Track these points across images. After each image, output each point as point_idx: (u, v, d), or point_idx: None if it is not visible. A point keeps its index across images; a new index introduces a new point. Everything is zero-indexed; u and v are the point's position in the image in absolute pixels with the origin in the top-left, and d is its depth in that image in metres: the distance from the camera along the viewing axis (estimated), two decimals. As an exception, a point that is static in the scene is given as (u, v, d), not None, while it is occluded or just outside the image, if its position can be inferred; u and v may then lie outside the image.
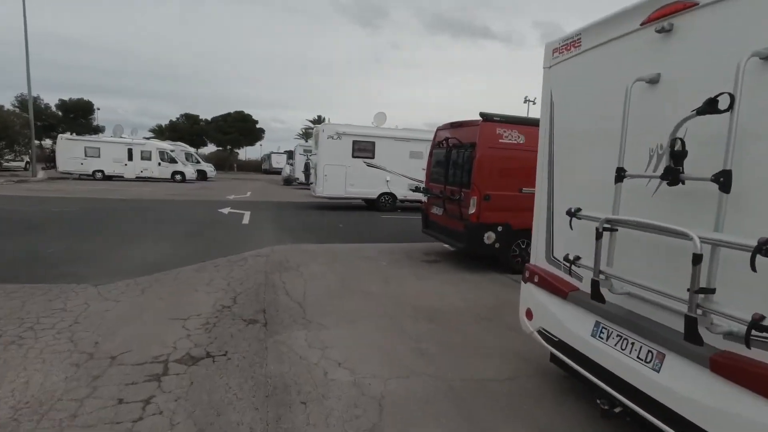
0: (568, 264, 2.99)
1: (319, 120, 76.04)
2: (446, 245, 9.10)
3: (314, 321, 4.77)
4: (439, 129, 8.63)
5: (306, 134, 78.17)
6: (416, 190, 9.48)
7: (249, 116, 55.55)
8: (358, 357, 3.95)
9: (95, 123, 55.43)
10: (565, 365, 3.22)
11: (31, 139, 25.27)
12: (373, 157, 15.34)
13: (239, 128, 53.85)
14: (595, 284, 2.65)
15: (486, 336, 4.59)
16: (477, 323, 4.97)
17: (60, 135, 27.20)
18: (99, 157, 26.87)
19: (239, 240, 9.32)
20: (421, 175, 16.00)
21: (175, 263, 6.97)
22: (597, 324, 2.91)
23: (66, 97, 55.20)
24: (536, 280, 3.57)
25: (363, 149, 15.30)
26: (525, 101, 51.51)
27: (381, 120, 16.59)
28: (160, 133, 53.89)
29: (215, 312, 4.89)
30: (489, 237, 7.21)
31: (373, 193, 15.53)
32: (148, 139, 35.70)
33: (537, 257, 3.68)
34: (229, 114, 54.83)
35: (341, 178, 15.05)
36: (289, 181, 31.09)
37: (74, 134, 32.40)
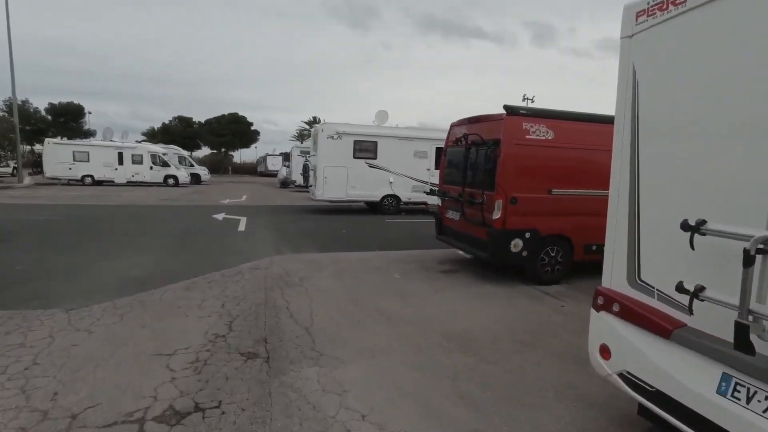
0: (685, 294, 2.21)
1: (314, 121, 75.09)
2: (462, 252, 8.33)
3: (326, 353, 3.97)
4: (454, 125, 7.85)
5: (301, 136, 77.39)
6: (431, 192, 8.67)
7: (243, 118, 54.63)
8: (385, 405, 3.15)
9: (86, 127, 54.39)
10: (664, 424, 2.44)
11: (17, 143, 24.30)
12: (375, 158, 14.55)
13: (233, 130, 52.91)
14: (742, 329, 1.87)
15: (534, 370, 3.81)
16: (519, 352, 4.18)
17: (47, 139, 26.25)
18: (88, 161, 25.93)
19: (235, 250, 8.51)
20: (426, 176, 15.29)
21: (162, 280, 6.15)
22: (727, 378, 2.13)
23: (57, 101, 54.29)
24: (616, 309, 2.78)
25: (365, 149, 14.50)
26: (523, 99, 51.00)
27: (383, 119, 15.81)
28: (153, 136, 52.82)
29: (207, 343, 4.08)
30: (516, 245, 6.43)
31: (375, 195, 14.73)
32: (140, 142, 34.77)
33: (614, 279, 2.89)
34: (222, 116, 53.87)
35: (342, 180, 14.25)
36: (285, 184, 30.23)
37: (63, 138, 31.48)
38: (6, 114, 52.32)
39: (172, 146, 33.00)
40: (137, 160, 26.88)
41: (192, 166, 31.96)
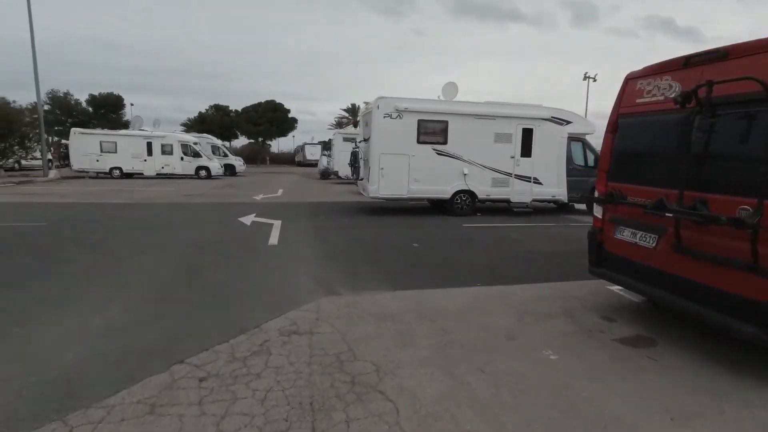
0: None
1: (353, 109, 72.15)
2: (620, 287, 4.97)
3: None
4: (639, 75, 4.38)
5: (339, 124, 74.77)
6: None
7: (280, 105, 52.28)
8: None
9: (125, 118, 53.71)
10: None
11: (41, 136, 22.51)
12: (445, 143, 11.20)
13: (270, 118, 50.68)
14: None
15: None
16: None
17: (73, 129, 24.44)
18: (116, 152, 23.95)
19: (260, 283, 5.47)
20: (509, 165, 11.81)
21: (115, 373, 3.16)
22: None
23: (98, 93, 53.85)
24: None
25: (432, 132, 11.17)
26: (585, 78, 45.83)
27: (451, 93, 12.41)
28: (191, 126, 51.46)
29: None
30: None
31: (445, 191, 11.40)
32: (180, 132, 32.83)
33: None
34: (259, 104, 51.72)
35: (403, 172, 11.00)
36: (326, 175, 27.42)
37: (98, 129, 29.84)
38: (50, 106, 52.84)
39: (205, 135, 30.80)
40: (167, 150, 24.68)
41: (226, 156, 29.63)
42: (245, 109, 52.30)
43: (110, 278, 5.57)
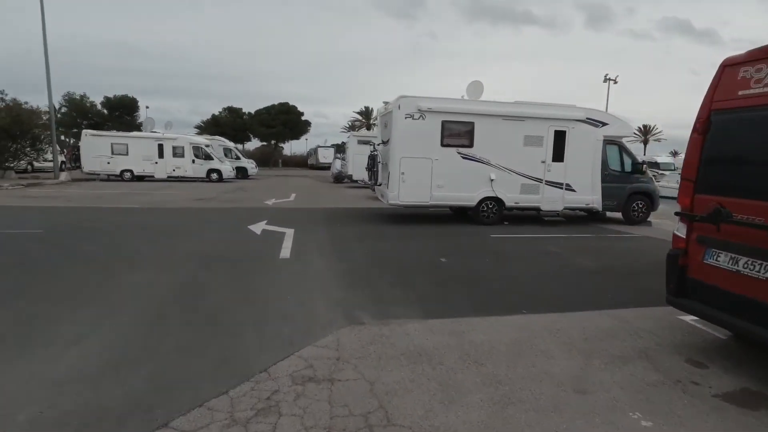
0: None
1: (366, 112, 71.56)
2: (703, 320, 4.09)
3: None
4: (756, 57, 3.46)
5: (353, 127, 74.15)
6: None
7: (293, 108, 51.88)
8: None
9: (140, 120, 53.77)
10: None
11: (52, 137, 22.18)
12: (471, 145, 10.35)
13: (283, 120, 50.27)
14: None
15: None
16: None
17: (84, 131, 24.10)
18: (127, 154, 23.53)
19: (269, 307, 4.69)
20: (540, 171, 10.90)
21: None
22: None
23: (113, 95, 54.08)
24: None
25: (457, 134, 10.34)
26: (605, 80, 44.50)
27: (477, 92, 11.56)
28: (205, 128, 51.31)
29: None
30: None
31: (470, 198, 10.53)
32: (194, 135, 32.44)
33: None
34: (272, 106, 51.38)
35: (425, 178, 10.18)
36: (339, 178, 26.70)
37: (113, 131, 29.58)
38: (66, 108, 53.19)
39: (217, 137, 30.36)
40: (178, 152, 24.20)
41: (238, 158, 29.12)
42: (258, 112, 52.03)
43: (96, 300, 4.84)
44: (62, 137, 43.93)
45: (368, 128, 69.86)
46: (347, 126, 73.33)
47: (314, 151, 53.33)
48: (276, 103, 51.94)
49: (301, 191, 19.99)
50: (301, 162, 57.60)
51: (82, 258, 6.70)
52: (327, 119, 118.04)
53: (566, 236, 9.65)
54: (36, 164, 26.88)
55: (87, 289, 5.20)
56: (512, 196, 10.68)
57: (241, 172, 28.58)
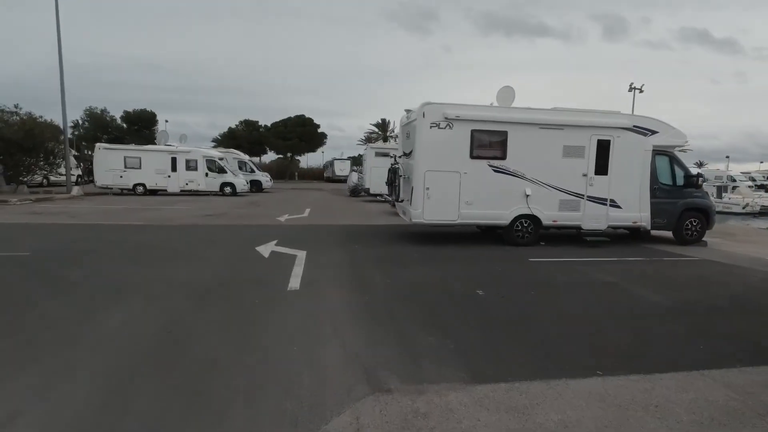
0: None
1: (383, 124, 70.94)
2: None
3: None
4: None
5: (369, 139, 73.52)
6: None
7: (310, 120, 51.55)
8: None
9: (156, 134, 54.11)
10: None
11: (66, 151, 21.84)
12: (504, 157, 9.28)
13: (299, 133, 49.92)
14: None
15: None
16: None
17: (97, 144, 23.77)
18: (140, 168, 23.09)
19: (269, 364, 3.66)
20: (581, 185, 9.72)
21: None
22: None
23: (132, 109, 54.63)
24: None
25: (488, 144, 9.28)
26: (630, 89, 42.92)
27: (508, 98, 10.50)
28: (221, 142, 51.32)
29: None
30: None
31: (503, 216, 9.42)
32: (210, 148, 32.01)
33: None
34: (289, 118, 51.13)
35: (453, 193, 9.12)
36: (356, 192, 25.82)
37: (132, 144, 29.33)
38: (87, 123, 53.87)
39: (231, 150, 29.90)
40: (192, 166, 23.67)
41: (252, 171, 28.54)
42: (274, 124, 51.86)
43: (60, 347, 3.88)
44: (86, 151, 44.23)
45: (385, 140, 69.24)
46: (363, 138, 72.92)
47: (330, 164, 52.88)
48: (293, 115, 51.67)
49: (316, 206, 19.11)
50: (317, 175, 57.22)
51: (63, 287, 5.79)
52: (342, 132, 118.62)
53: (616, 260, 8.44)
54: (52, 178, 26.71)
55: (55, 330, 4.26)
56: (550, 213, 9.53)
57: (256, 186, 27.97)
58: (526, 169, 9.33)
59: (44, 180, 26.79)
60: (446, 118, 8.94)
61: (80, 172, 31.79)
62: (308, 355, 3.88)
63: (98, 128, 52.33)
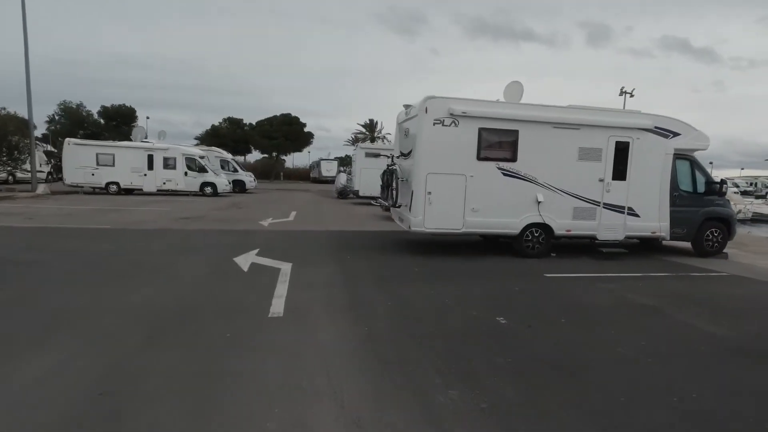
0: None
1: (371, 125, 69.80)
2: None
3: None
4: None
5: (356, 140, 72.28)
6: None
7: (296, 119, 50.19)
8: None
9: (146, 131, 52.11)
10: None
11: (31, 146, 20.28)
12: (514, 159, 8.32)
13: (285, 132, 48.54)
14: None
15: None
16: None
17: (67, 139, 22.18)
18: (113, 165, 21.59)
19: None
20: (597, 191, 8.83)
21: None
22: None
23: (110, 104, 52.58)
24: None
25: (497, 145, 8.32)
26: (621, 93, 42.63)
27: (516, 95, 9.56)
28: (203, 139, 49.62)
29: None
30: None
31: (512, 225, 8.45)
32: (192, 146, 30.45)
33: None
34: (274, 117, 49.70)
35: (457, 199, 8.13)
36: (344, 194, 24.74)
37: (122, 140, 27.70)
38: (61, 117, 51.61)
39: (213, 148, 28.51)
40: (170, 164, 22.26)
41: (236, 171, 27.19)
42: (259, 123, 50.39)
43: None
44: (49, 147, 42.10)
45: (372, 141, 68.20)
46: (350, 139, 71.72)
47: (317, 164, 51.65)
48: (278, 114, 50.27)
49: (302, 208, 17.96)
50: (303, 175, 55.89)
51: (-18, 315, 4.61)
52: (328, 132, 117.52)
53: (640, 276, 7.54)
54: (19, 175, 25.03)
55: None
56: (563, 222, 8.61)
57: (239, 186, 26.65)
58: (538, 173, 8.39)
59: (9, 177, 25.12)
60: (451, 114, 7.94)
61: (50, 169, 30.06)
62: (294, 424, 2.81)
63: (74, 123, 50.21)
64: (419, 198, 8.03)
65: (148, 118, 55.00)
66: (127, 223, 11.63)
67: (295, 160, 71.91)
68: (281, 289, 5.80)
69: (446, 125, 7.97)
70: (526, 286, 6.56)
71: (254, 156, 55.84)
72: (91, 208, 14.96)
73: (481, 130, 8.11)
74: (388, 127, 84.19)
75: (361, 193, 20.55)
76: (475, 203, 8.19)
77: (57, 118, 50.96)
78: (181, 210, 15.36)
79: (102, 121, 51.42)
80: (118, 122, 51.67)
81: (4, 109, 21.04)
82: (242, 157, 54.17)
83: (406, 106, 9.03)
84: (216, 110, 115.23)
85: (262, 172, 47.91)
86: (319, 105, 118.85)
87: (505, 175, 8.30)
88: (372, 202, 20.14)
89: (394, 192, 9.03)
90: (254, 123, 50.89)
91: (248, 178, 27.64)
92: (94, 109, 52.33)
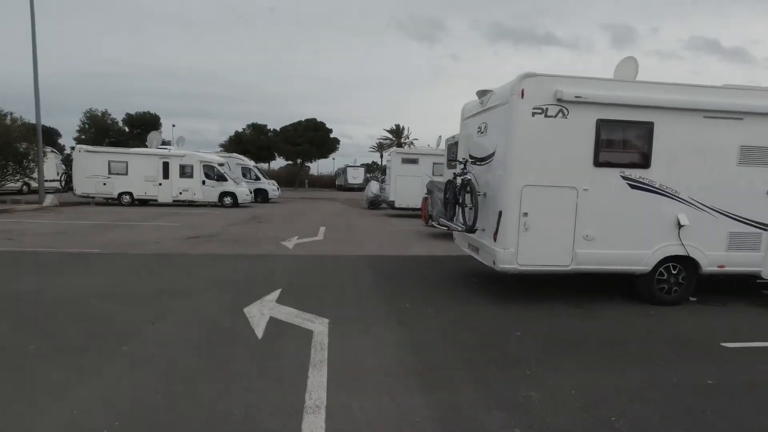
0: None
1: (397, 130, 67.50)
2: None
3: None
4: None
5: (381, 146, 70.15)
6: None
7: (322, 124, 48.30)
8: None
9: (163, 137, 51.31)
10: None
11: (39, 154, 18.70)
12: (645, 165, 5.73)
13: (310, 138, 46.65)
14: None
15: None
16: None
17: (77, 146, 20.59)
18: (126, 174, 19.83)
19: None
20: (764, 210, 6.11)
21: None
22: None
23: (135, 112, 52.04)
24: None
25: (621, 144, 5.77)
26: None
27: (630, 72, 6.98)
28: (227, 146, 48.30)
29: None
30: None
31: (642, 258, 5.83)
32: (218, 153, 28.71)
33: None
34: (299, 122, 47.94)
35: (565, 223, 5.59)
36: (375, 204, 22.42)
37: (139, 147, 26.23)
38: (87, 125, 51.27)
39: (234, 155, 26.61)
40: (187, 172, 20.38)
41: (258, 179, 25.20)
42: (284, 128, 48.72)
43: None
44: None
45: (399, 146, 65.95)
46: (376, 145, 69.65)
47: (343, 171, 49.61)
48: (303, 119, 48.51)
49: (331, 222, 15.66)
50: (328, 182, 53.97)
51: None
52: (351, 139, 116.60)
53: None
54: (34, 184, 23.66)
55: None
56: (714, 254, 5.96)
57: (261, 195, 24.66)
58: (680, 184, 5.79)
59: (24, 186, 23.77)
60: (559, 99, 5.44)
61: (64, 178, 28.76)
62: None
63: (100, 132, 49.74)
64: (510, 222, 5.54)
65: (174, 125, 54.23)
66: (123, 245, 9.52)
67: (319, 167, 70.38)
68: (317, 387, 3.39)
69: (551, 116, 5.47)
70: (710, 369, 3.97)
71: (278, 163, 54.28)
72: (92, 224, 13.01)
73: (600, 123, 5.57)
74: (415, 132, 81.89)
75: (397, 204, 18.10)
76: (590, 228, 5.65)
77: (86, 126, 50.66)
78: (193, 226, 13.26)
79: (126, 128, 50.83)
80: (143, 129, 50.82)
81: (11, 114, 19.54)
82: (266, 165, 52.73)
83: (482, 93, 6.55)
84: (240, 117, 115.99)
85: (286, 179, 46.12)
86: (341, 112, 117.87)
87: (633, 187, 5.72)
88: (406, 211, 17.60)
89: (468, 211, 6.53)
90: (278, 129, 49.26)
91: (271, 186, 25.61)
92: (119, 117, 51.97)
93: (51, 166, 23.99)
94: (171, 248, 9.41)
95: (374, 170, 67.74)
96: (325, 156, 52.20)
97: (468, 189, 6.36)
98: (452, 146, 12.69)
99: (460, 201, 6.75)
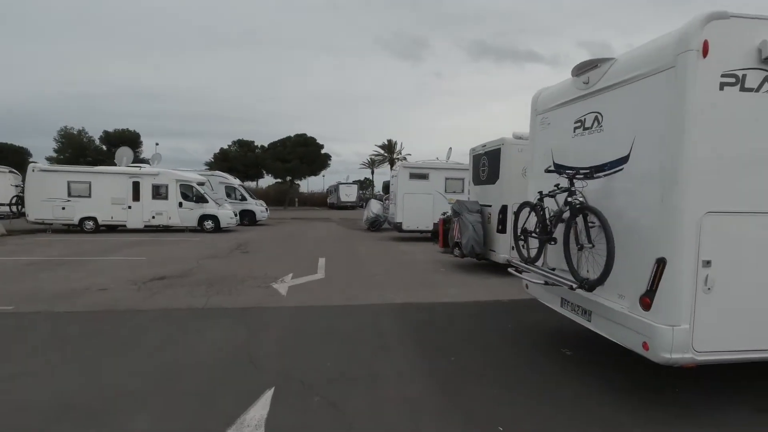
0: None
1: (389, 146, 65.53)
2: None
3: None
4: None
5: (372, 162, 68.07)
6: None
7: (312, 140, 46.00)
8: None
9: (142, 156, 48.44)
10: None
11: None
12: None
13: (300, 154, 44.26)
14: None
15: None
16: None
17: (31, 164, 17.83)
18: (89, 196, 17.11)
19: None
20: None
21: None
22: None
23: (113, 129, 49.29)
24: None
25: None
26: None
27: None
28: (213, 165, 45.65)
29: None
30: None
31: None
32: (190, 171, 26.02)
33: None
34: (288, 138, 45.58)
35: (755, 297, 3.18)
36: (376, 225, 19.97)
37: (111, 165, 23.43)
38: (62, 144, 48.35)
39: (217, 173, 24.00)
40: (161, 193, 17.76)
41: (244, 199, 22.60)
42: (272, 144, 46.30)
43: None
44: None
45: (391, 163, 63.88)
46: (367, 162, 67.66)
47: (335, 189, 47.17)
48: (292, 134, 46.15)
49: (331, 250, 13.11)
50: (319, 201, 51.44)
51: None
52: (339, 156, 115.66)
53: None
54: (-10, 210, 20.77)
55: None
56: None
57: (248, 217, 22.05)
58: None
59: (-24, 212, 20.87)
60: (766, 59, 3.08)
61: (14, 201, 25.74)
62: None
63: (76, 151, 46.84)
64: (679, 277, 3.11)
65: (157, 144, 51.50)
66: (53, 296, 6.88)
67: (310, 184, 67.93)
68: None
69: (751, 88, 3.11)
70: None
71: (267, 181, 51.66)
72: (29, 261, 10.30)
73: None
74: (408, 148, 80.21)
75: (405, 227, 15.65)
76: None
77: (62, 145, 47.73)
78: (162, 260, 10.63)
79: (104, 147, 47.91)
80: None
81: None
82: (254, 183, 50.12)
83: (586, 66, 4.17)
84: (225, 136, 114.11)
85: (276, 198, 43.56)
86: (329, 130, 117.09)
87: None
88: (414, 233, 13.06)
89: (578, 253, 4.04)
90: (266, 145, 46.80)
91: (259, 207, 22.98)
92: (96, 135, 49.17)
93: (3, 188, 21.14)
94: (117, 300, 6.79)
95: (367, 187, 65.42)
96: (315, 173, 49.79)
97: (585, 218, 3.89)
98: (479, 157, 10.35)
99: (553, 235, 4.29)
